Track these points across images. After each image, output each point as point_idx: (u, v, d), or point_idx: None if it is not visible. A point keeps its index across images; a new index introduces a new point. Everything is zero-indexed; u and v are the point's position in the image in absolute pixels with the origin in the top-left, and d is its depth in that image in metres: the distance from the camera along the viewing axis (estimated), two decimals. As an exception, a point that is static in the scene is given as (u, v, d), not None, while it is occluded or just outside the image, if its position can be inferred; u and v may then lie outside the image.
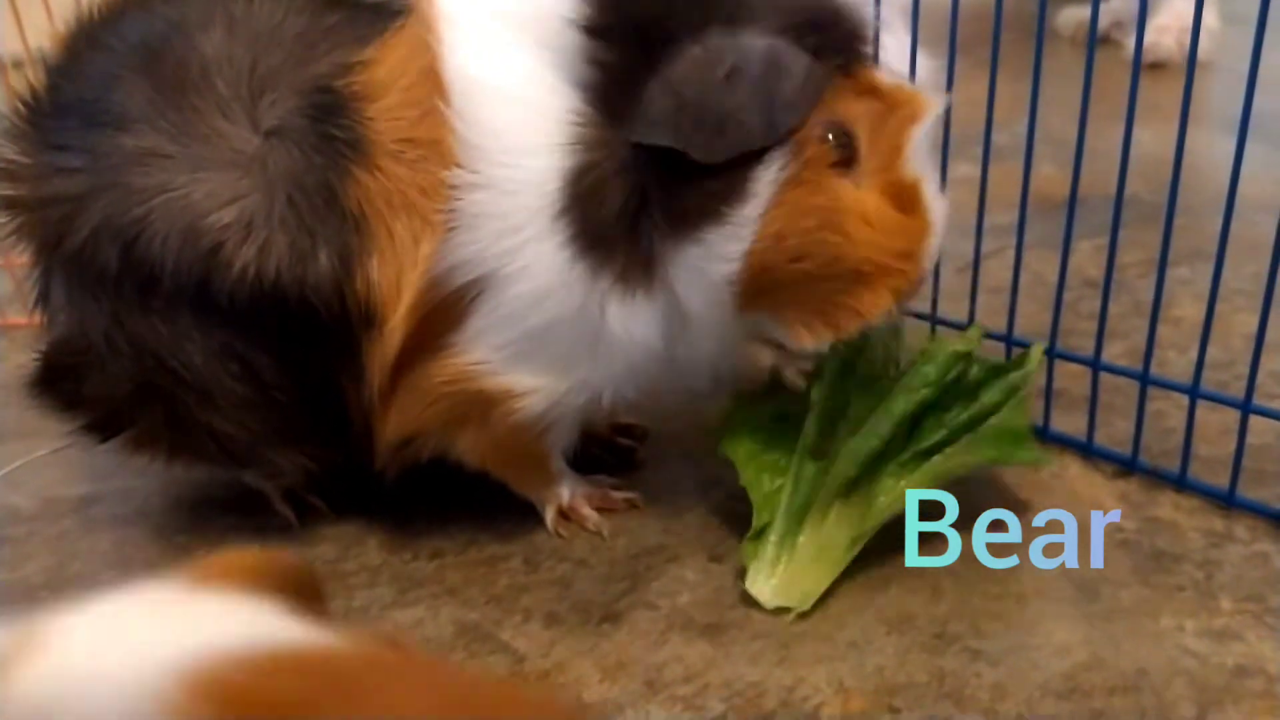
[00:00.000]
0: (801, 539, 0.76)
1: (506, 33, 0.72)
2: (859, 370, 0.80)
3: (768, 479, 0.79)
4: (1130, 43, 1.87)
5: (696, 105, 0.67)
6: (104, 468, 0.94)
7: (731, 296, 0.72)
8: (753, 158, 0.70)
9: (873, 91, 0.74)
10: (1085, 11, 2.06)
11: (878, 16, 0.93)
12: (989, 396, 0.80)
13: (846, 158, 0.72)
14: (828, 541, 0.76)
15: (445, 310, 0.73)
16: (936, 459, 0.78)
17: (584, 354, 0.75)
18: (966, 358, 0.81)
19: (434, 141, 0.71)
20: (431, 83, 0.71)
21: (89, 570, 0.85)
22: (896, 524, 0.82)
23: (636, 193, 0.70)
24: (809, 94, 0.70)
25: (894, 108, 0.73)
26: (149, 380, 0.77)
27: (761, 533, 0.77)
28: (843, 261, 0.71)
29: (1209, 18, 1.92)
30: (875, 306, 0.72)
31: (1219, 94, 1.87)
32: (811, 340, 0.74)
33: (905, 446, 0.79)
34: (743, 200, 0.70)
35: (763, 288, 0.72)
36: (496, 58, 0.72)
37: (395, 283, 0.72)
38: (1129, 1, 2.08)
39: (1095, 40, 0.82)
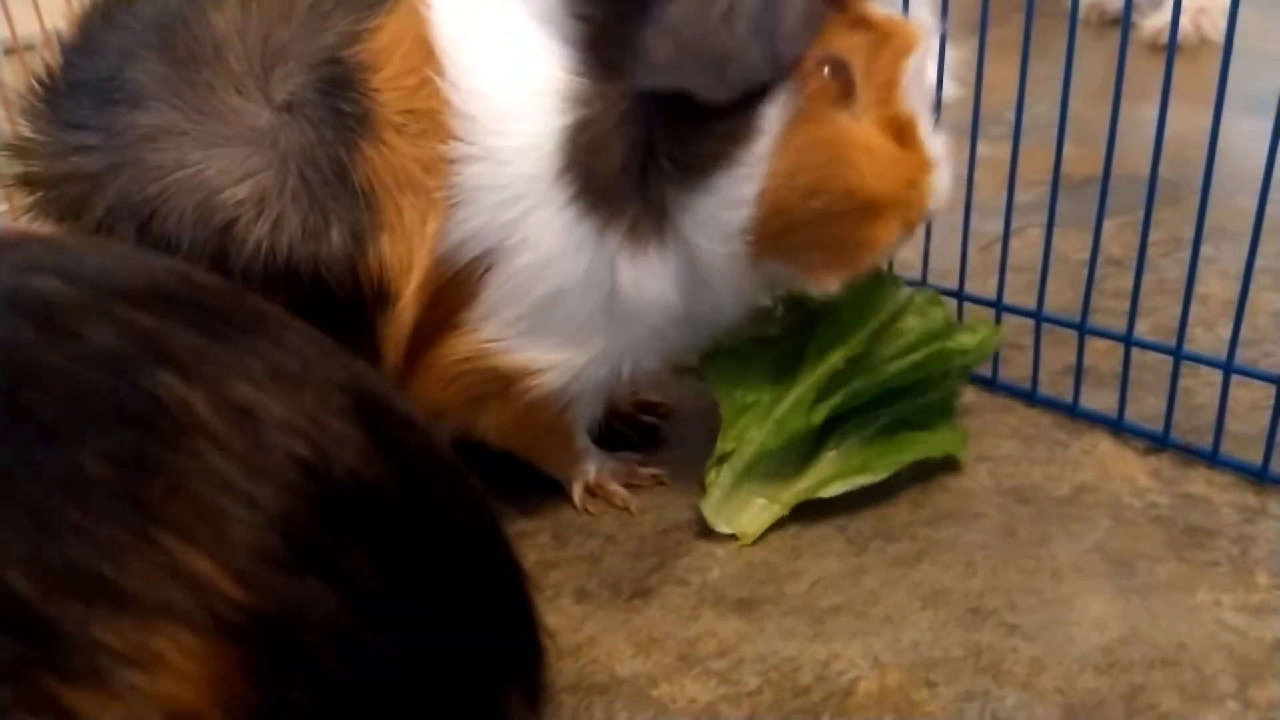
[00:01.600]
0: (757, 481, 0.80)
1: None
2: (852, 328, 0.82)
3: (739, 395, 0.81)
4: (1146, 23, 1.88)
5: (697, 46, 0.67)
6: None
7: (748, 244, 0.72)
8: (757, 96, 0.69)
9: (865, 24, 0.73)
10: (1100, -7, 2.05)
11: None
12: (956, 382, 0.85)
13: (844, 92, 0.72)
14: (780, 486, 0.81)
15: (456, 287, 0.73)
16: (862, 445, 0.82)
17: (599, 323, 0.75)
18: (945, 335, 0.83)
19: (431, 112, 0.70)
20: (424, 51, 0.70)
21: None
22: (922, 499, 0.82)
23: (641, 143, 0.70)
24: (809, 24, 0.69)
25: (886, 40, 0.73)
26: None
27: (724, 459, 0.80)
28: (854, 194, 0.71)
29: (1224, -1, 1.91)
30: (887, 238, 0.73)
31: (1233, 74, 1.87)
32: (831, 281, 0.74)
33: (867, 415, 0.82)
34: (751, 139, 0.70)
35: (778, 230, 0.71)
36: (482, 20, 0.71)
37: (406, 260, 0.71)
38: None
39: (1129, 20, 0.81)
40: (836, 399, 0.80)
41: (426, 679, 0.42)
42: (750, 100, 0.69)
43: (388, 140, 0.70)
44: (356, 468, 0.40)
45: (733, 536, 0.80)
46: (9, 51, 1.29)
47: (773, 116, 0.70)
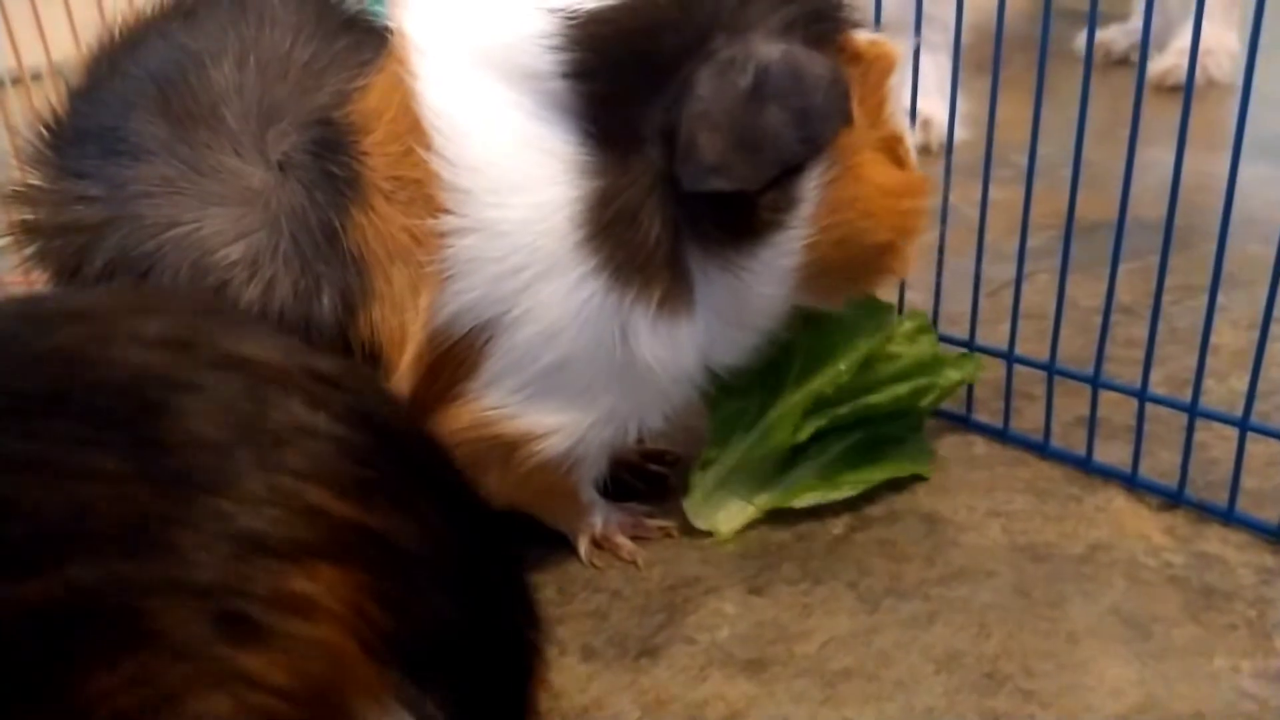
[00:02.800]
0: (736, 485, 0.85)
1: (480, 63, 0.69)
2: (839, 347, 0.86)
3: (727, 404, 0.85)
4: (1151, 64, 1.87)
5: (732, 133, 0.66)
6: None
7: (794, 282, 0.74)
8: (795, 170, 0.70)
9: (855, 55, 0.74)
10: (1106, 34, 2.05)
11: (918, 36, 0.92)
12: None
13: (849, 128, 0.72)
14: (757, 490, 0.85)
15: (455, 359, 0.71)
16: (837, 461, 0.86)
17: (606, 387, 0.73)
18: (933, 369, 0.88)
19: (417, 181, 0.68)
20: (408, 120, 0.69)
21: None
22: (934, 555, 0.80)
23: (680, 217, 0.69)
24: (839, 100, 0.69)
25: (871, 64, 0.74)
26: None
27: (709, 463, 0.85)
28: (876, 239, 0.75)
29: (1230, 40, 1.91)
30: (904, 265, 0.78)
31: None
32: (847, 301, 0.81)
33: (845, 432, 0.86)
34: (793, 206, 0.71)
35: (811, 276, 0.74)
36: (470, 91, 0.69)
37: (399, 331, 0.70)
38: (1152, 23, 2.07)
39: (1145, 61, 0.80)
40: (823, 420, 0.84)
41: (487, 630, 0.48)
42: (789, 173, 0.69)
43: (376, 207, 0.69)
44: (394, 423, 0.48)
45: (749, 590, 0.78)
46: (15, 82, 1.29)
47: (810, 184, 0.71)
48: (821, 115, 0.68)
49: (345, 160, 0.70)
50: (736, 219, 0.70)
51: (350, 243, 0.70)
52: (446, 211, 0.68)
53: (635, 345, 0.71)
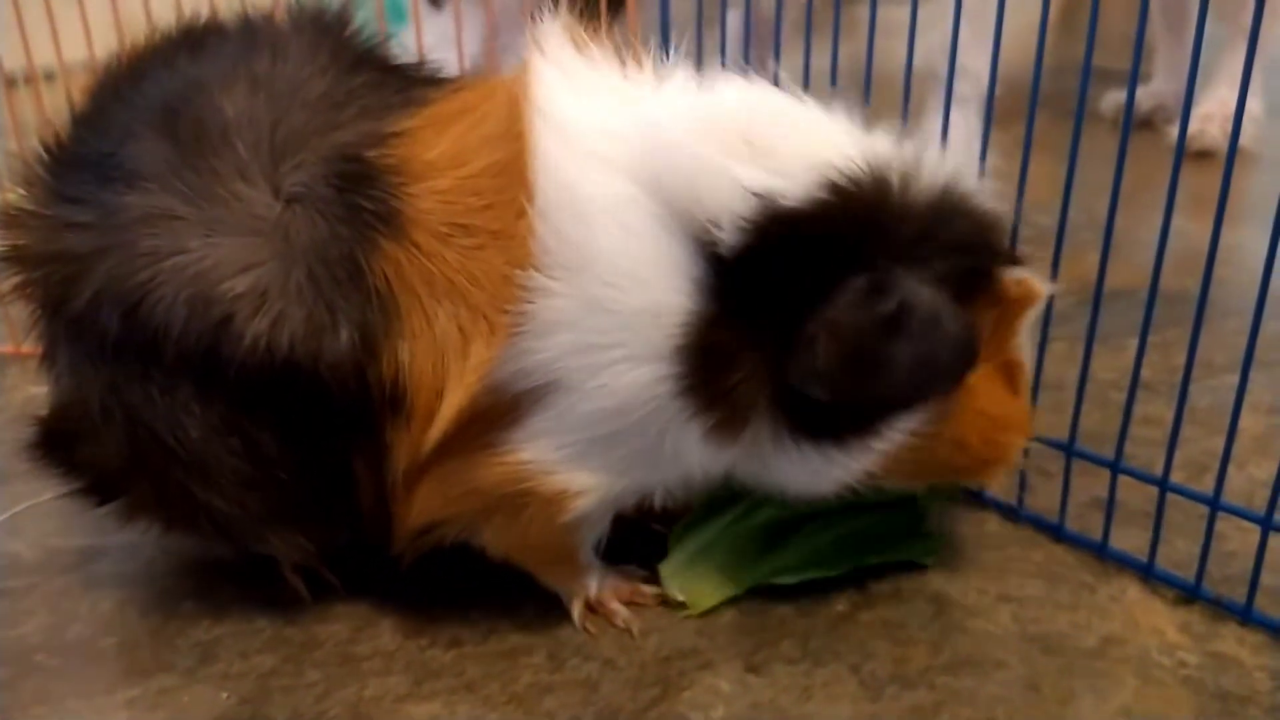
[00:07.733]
0: (719, 555, 0.82)
1: (646, 188, 0.67)
2: None
3: None
4: (1172, 129, 1.86)
5: (853, 350, 0.65)
6: (109, 519, 0.89)
7: (851, 480, 0.73)
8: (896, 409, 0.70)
9: (999, 294, 0.72)
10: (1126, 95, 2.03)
11: (950, 93, 0.90)
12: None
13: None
14: (739, 566, 0.82)
15: (497, 411, 0.69)
16: (827, 543, 0.83)
17: (645, 462, 0.71)
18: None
19: (499, 233, 0.67)
20: (510, 176, 0.67)
21: (89, 634, 0.80)
22: (941, 642, 0.78)
23: (763, 379, 0.67)
24: (963, 363, 0.68)
25: (1012, 301, 0.73)
26: (141, 454, 0.72)
27: (690, 527, 0.83)
28: (962, 464, 0.75)
29: (1254, 107, 1.89)
30: (993, 478, 0.77)
31: (1265, 186, 1.84)
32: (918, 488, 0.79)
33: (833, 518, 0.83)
34: (874, 436, 0.70)
35: (879, 475, 0.73)
36: (612, 187, 0.67)
37: (432, 371, 0.68)
38: (1171, 85, 2.06)
39: (1186, 129, 0.78)
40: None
41: None
42: (890, 412, 0.69)
43: (422, 244, 0.67)
44: None
45: (746, 668, 0.76)
46: (27, 80, 1.27)
47: (902, 427, 0.70)
48: (942, 372, 0.67)
49: (379, 196, 0.68)
50: (821, 419, 0.69)
51: (376, 278, 0.68)
52: (537, 270, 0.66)
53: (682, 447, 0.70)
